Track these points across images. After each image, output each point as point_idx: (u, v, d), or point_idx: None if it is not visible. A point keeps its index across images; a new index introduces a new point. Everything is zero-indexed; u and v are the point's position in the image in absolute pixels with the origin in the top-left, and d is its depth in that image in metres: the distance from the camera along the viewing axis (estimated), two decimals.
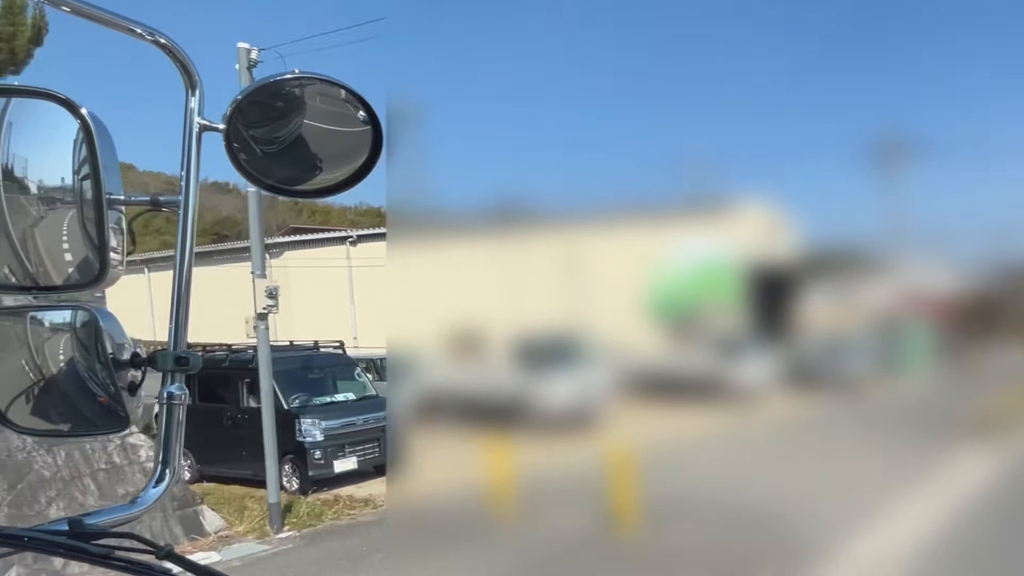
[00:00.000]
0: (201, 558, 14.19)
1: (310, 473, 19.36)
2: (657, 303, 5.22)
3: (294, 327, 29.76)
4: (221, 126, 1.71)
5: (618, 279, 5.30)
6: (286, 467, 19.28)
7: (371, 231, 38.37)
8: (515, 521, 4.45)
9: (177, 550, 1.59)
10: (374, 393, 21.84)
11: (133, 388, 1.72)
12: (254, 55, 17.98)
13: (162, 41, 1.68)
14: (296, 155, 1.73)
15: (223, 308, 23.65)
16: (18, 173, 1.65)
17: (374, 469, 20.06)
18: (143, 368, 1.72)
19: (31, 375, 1.72)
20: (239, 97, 1.70)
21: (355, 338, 31.97)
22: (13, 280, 1.67)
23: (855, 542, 4.03)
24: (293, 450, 19.34)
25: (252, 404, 19.49)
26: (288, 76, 1.72)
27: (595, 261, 5.20)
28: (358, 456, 20.00)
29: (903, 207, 5.74)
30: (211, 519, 17.02)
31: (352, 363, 22.96)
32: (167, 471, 1.76)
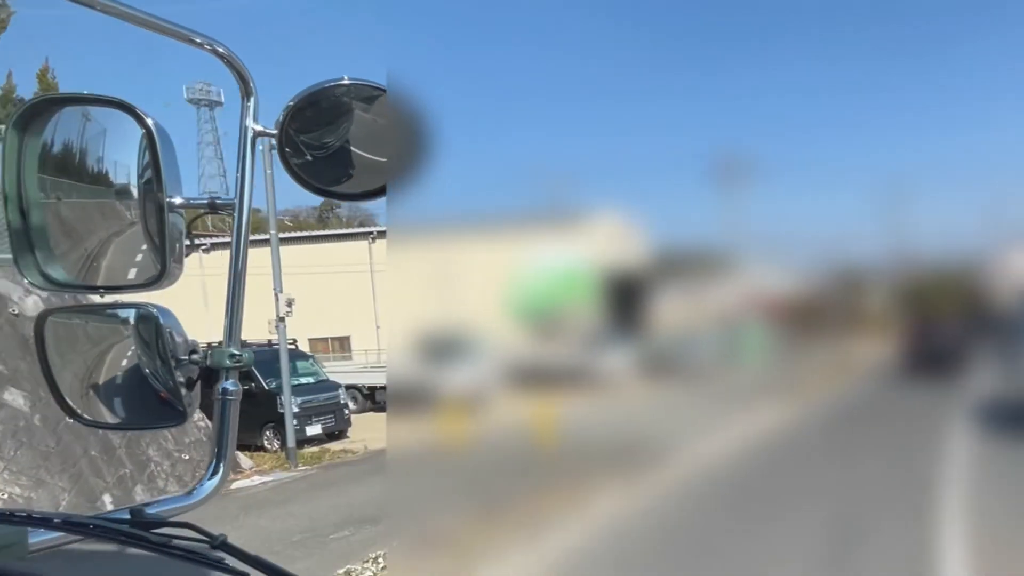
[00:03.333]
0: (249, 484, 21.06)
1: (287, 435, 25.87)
2: (520, 306, 5.77)
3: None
4: (274, 131, 1.77)
5: (488, 285, 5.79)
6: (267, 432, 25.67)
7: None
8: (467, 452, 5.41)
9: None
10: (326, 378, 29.72)
11: (191, 384, 1.77)
12: None
13: (220, 51, 1.74)
14: (345, 159, 1.79)
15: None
16: (86, 177, 1.70)
17: (336, 434, 28.03)
18: (200, 365, 1.77)
19: (96, 370, 1.76)
20: (291, 103, 1.76)
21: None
22: (81, 280, 1.70)
23: (691, 452, 5.78)
24: (274, 419, 25.27)
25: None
26: (338, 82, 1.77)
27: (467, 268, 5.59)
28: (321, 423, 27.23)
29: (742, 217, 6.33)
30: (244, 460, 22.82)
31: (306, 355, 30.15)
32: (222, 464, 1.82)
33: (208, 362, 1.78)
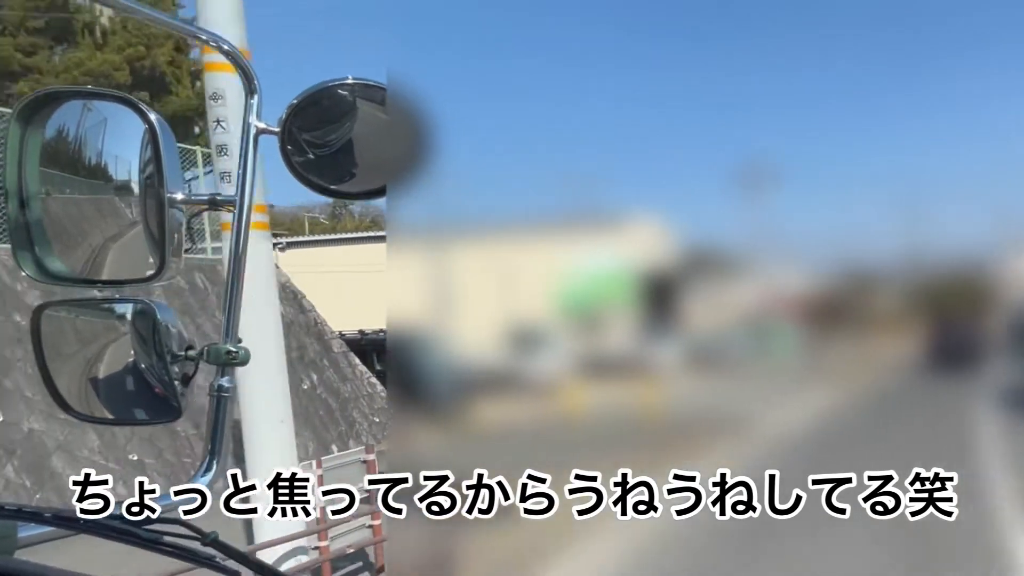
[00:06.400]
0: None
1: None
2: (567, 305, 5.97)
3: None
4: (276, 129, 1.77)
5: (540, 284, 5.97)
6: None
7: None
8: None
9: None
10: None
11: (186, 380, 1.76)
12: None
13: (225, 48, 1.74)
14: (348, 158, 1.78)
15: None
16: (87, 172, 1.70)
17: None
18: (196, 361, 1.77)
19: (91, 365, 1.77)
20: (294, 101, 1.75)
21: None
22: (79, 274, 1.71)
23: (754, 428, 6.18)
24: None
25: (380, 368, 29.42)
26: (342, 81, 1.77)
27: (521, 269, 5.75)
28: None
29: (768, 221, 6.46)
30: None
31: None
32: (215, 462, 1.81)
33: (205, 358, 1.77)
